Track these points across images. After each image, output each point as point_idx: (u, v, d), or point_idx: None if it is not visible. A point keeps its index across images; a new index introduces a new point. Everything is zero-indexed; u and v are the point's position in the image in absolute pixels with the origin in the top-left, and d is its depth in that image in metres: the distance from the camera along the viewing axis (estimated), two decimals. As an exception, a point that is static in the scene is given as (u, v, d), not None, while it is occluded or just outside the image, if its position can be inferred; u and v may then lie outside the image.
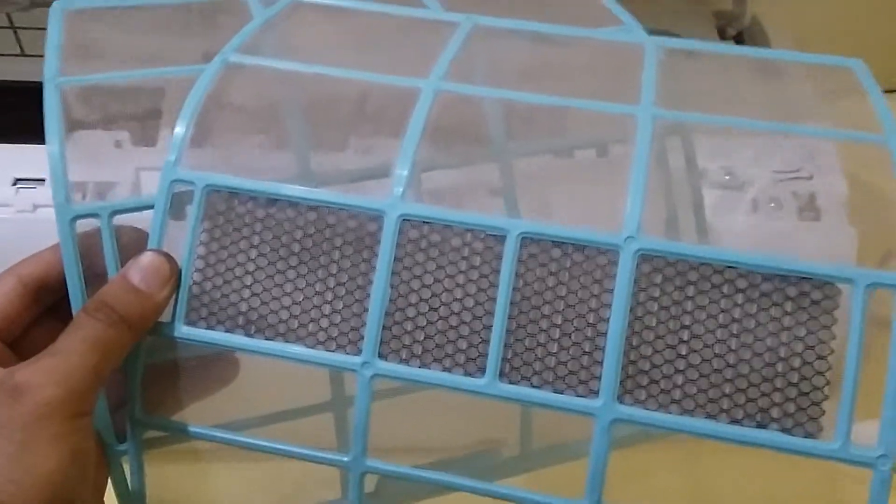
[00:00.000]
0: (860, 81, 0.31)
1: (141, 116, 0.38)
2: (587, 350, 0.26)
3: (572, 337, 0.26)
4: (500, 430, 0.33)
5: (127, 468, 0.29)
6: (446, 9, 0.35)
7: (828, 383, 0.24)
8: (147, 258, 0.27)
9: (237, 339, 0.28)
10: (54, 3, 0.33)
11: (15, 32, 0.59)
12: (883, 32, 0.75)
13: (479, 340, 0.26)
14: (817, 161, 0.47)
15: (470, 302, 0.26)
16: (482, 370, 0.26)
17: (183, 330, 0.28)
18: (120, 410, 0.29)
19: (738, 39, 0.60)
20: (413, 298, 0.27)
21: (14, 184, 0.45)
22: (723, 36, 0.60)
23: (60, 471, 0.24)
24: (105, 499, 0.28)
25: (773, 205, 0.45)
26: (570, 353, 0.26)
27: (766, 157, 0.45)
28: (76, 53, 0.32)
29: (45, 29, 0.32)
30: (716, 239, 0.33)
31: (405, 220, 0.27)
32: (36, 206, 0.44)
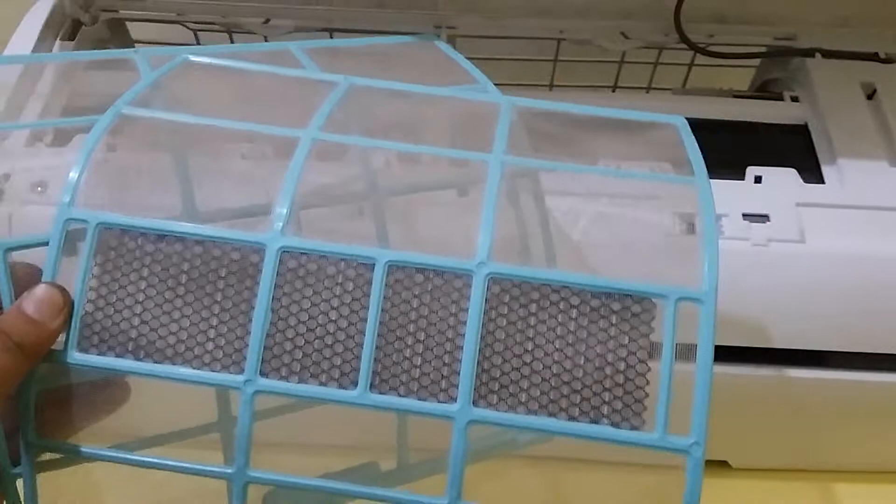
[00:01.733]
0: (680, 135, 0.35)
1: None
2: (447, 362, 0.28)
3: (434, 351, 0.28)
4: (378, 447, 0.34)
5: (21, 490, 0.29)
6: (322, 69, 0.37)
7: (647, 383, 0.27)
8: (41, 290, 0.28)
9: (127, 364, 0.28)
10: None
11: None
12: None
13: (352, 357, 0.28)
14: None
15: (343, 323, 0.28)
16: (355, 383, 0.28)
17: (75, 356, 0.28)
18: (14, 436, 0.29)
19: None
20: (292, 321, 0.28)
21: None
22: None
23: None
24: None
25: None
26: (432, 364, 0.28)
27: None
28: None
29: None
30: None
31: (285, 252, 0.29)
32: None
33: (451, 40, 0.61)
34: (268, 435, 0.30)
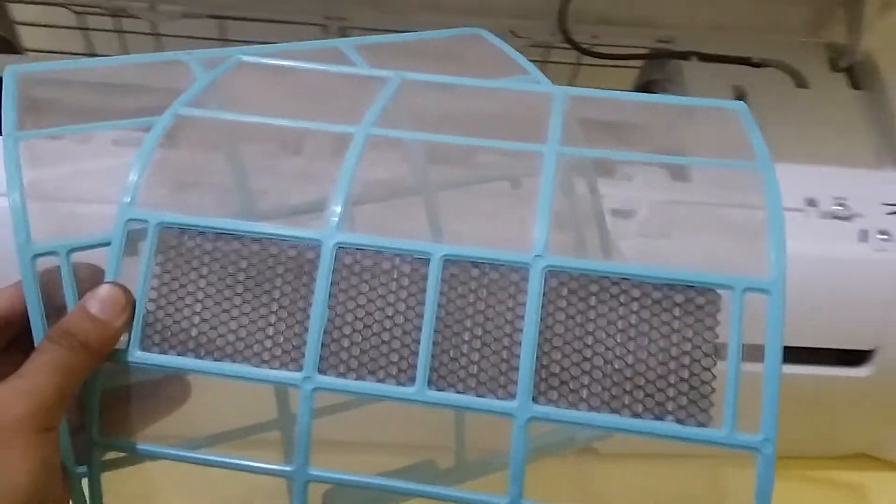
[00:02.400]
0: (741, 121, 0.33)
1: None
2: (504, 357, 0.27)
3: (491, 346, 0.27)
4: (436, 445, 0.34)
5: (86, 488, 0.29)
6: (372, 66, 0.37)
7: (714, 378, 0.26)
8: (104, 290, 0.28)
9: (188, 362, 0.28)
10: (8, 67, 0.34)
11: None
12: None
13: (409, 353, 0.27)
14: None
15: (400, 319, 0.28)
16: (412, 380, 0.27)
17: (138, 355, 0.28)
18: (78, 435, 0.29)
19: (850, 72, 0.58)
20: (349, 318, 0.28)
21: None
22: (834, 67, 0.59)
23: (32, 481, 0.24)
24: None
25: (882, 236, 0.46)
26: (490, 360, 0.27)
27: (875, 189, 0.46)
28: (31, 109, 0.33)
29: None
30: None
31: (340, 248, 0.28)
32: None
33: (342, 32, 0.60)
34: (325, 432, 0.29)
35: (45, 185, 0.31)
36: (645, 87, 0.62)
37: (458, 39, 0.43)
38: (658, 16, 0.62)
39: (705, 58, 0.58)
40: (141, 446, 0.29)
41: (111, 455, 0.29)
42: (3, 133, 0.31)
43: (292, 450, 0.28)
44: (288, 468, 0.27)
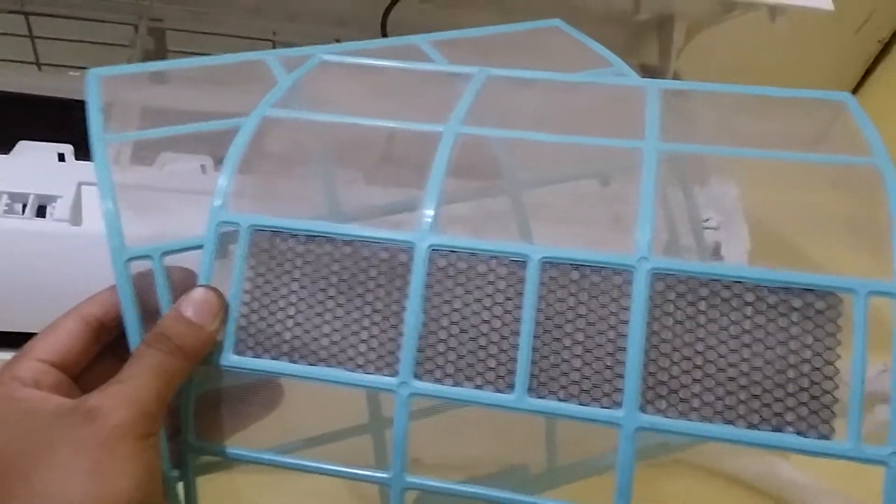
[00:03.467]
0: (851, 113, 0.31)
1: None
2: (609, 364, 0.25)
3: (594, 352, 0.26)
4: (527, 449, 0.32)
5: (181, 492, 0.29)
6: (450, 62, 0.35)
7: (836, 387, 0.24)
8: (198, 293, 0.28)
9: (282, 366, 0.27)
10: (90, 70, 0.33)
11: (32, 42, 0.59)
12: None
13: (508, 359, 0.26)
14: (723, 211, 0.48)
15: (497, 323, 0.26)
16: (511, 386, 0.26)
17: (232, 359, 0.28)
18: (173, 440, 0.29)
19: None
20: (444, 322, 0.27)
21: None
22: None
23: (137, 486, 0.24)
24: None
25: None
26: (594, 367, 0.26)
27: (675, 206, 0.45)
28: (116, 111, 0.32)
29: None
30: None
31: (434, 250, 0.27)
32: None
33: (157, 32, 0.58)
34: (416, 435, 0.28)
35: (136, 189, 0.31)
36: None
37: (536, 32, 0.41)
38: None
39: None
40: (235, 451, 0.28)
41: (205, 459, 0.29)
42: (91, 137, 0.31)
43: (385, 455, 0.27)
44: (385, 475, 0.26)
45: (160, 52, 0.60)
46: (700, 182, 0.48)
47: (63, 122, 0.45)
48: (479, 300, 0.27)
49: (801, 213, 0.29)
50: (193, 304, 0.27)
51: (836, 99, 0.32)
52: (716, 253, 0.46)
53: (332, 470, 0.27)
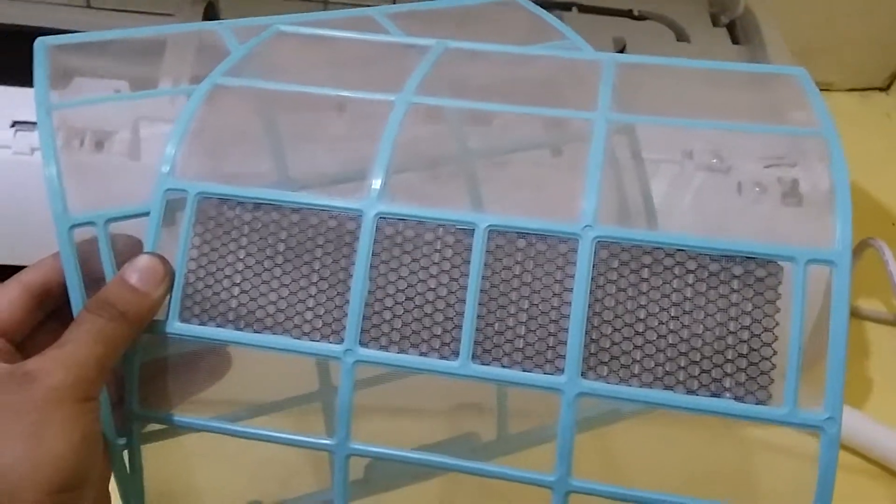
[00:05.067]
0: (803, 86, 0.31)
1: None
2: (552, 331, 0.26)
3: (538, 320, 0.26)
4: (477, 417, 0.33)
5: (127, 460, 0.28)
6: (406, 34, 0.35)
7: (775, 353, 0.24)
8: (143, 260, 0.27)
9: (228, 333, 0.27)
10: (38, 39, 0.33)
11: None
12: (869, 27, 0.75)
13: (453, 326, 0.26)
14: (802, 149, 0.46)
15: (443, 291, 0.26)
16: (456, 353, 0.26)
17: (177, 326, 0.27)
18: (119, 408, 0.28)
19: (731, 27, 0.58)
20: (390, 289, 0.27)
21: (12, 126, 0.42)
22: (715, 23, 0.58)
23: (73, 451, 0.24)
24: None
25: (757, 189, 0.44)
26: (537, 334, 0.26)
27: (753, 143, 0.44)
28: (64, 78, 0.32)
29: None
30: (699, 220, 0.33)
31: (382, 218, 0.27)
32: (33, 150, 0.42)
33: None
34: (366, 401, 0.28)
35: (82, 156, 0.30)
36: None
37: (493, 5, 0.41)
38: None
39: (586, 9, 0.57)
40: (180, 418, 0.28)
41: (151, 427, 0.29)
42: (36, 104, 0.30)
43: (333, 423, 0.27)
44: (329, 442, 0.26)
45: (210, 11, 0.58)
46: (775, 118, 0.48)
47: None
48: (425, 268, 0.27)
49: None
50: (138, 270, 0.27)
51: (789, 73, 0.32)
52: (794, 190, 0.44)
53: (278, 437, 0.27)
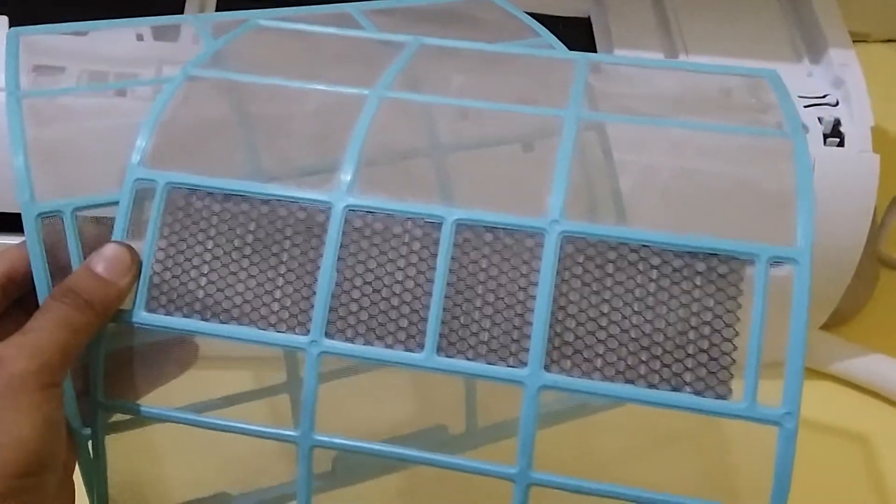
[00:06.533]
0: (772, 88, 0.32)
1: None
2: (517, 325, 0.26)
3: (503, 313, 0.26)
4: (446, 412, 0.33)
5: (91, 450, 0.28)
6: (381, 30, 0.35)
7: (735, 349, 0.25)
8: (110, 249, 0.27)
9: (194, 324, 0.27)
10: (10, 29, 0.33)
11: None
12: None
13: (419, 318, 0.26)
14: (844, 89, 0.45)
15: (410, 284, 0.26)
16: (421, 346, 0.26)
17: (143, 316, 0.27)
18: (85, 398, 0.28)
19: None
20: (358, 282, 0.27)
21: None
22: None
23: (36, 436, 0.24)
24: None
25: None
26: (502, 327, 0.26)
27: (793, 82, 0.44)
28: (36, 70, 0.32)
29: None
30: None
31: (351, 211, 0.27)
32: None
33: None
34: (336, 394, 0.28)
35: (51, 145, 0.30)
36: None
37: (468, 3, 0.41)
38: None
39: None
40: (145, 409, 0.28)
41: (118, 417, 0.29)
42: (6, 92, 0.30)
43: (299, 414, 0.27)
44: (293, 433, 0.26)
45: None
46: (816, 57, 0.47)
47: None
48: (393, 260, 0.27)
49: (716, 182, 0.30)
50: (105, 259, 0.27)
51: (759, 75, 0.32)
52: (835, 130, 0.44)
53: (242, 428, 0.27)
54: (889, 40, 0.78)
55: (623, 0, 0.50)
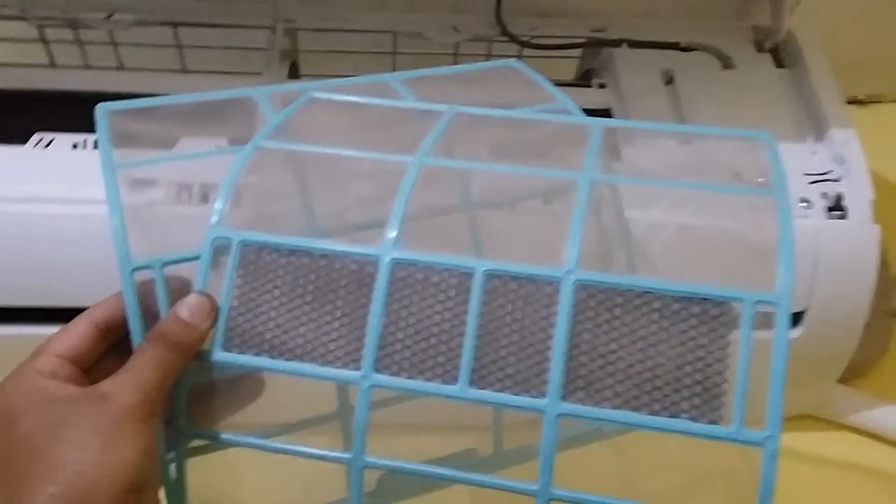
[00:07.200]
0: (765, 149, 0.36)
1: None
2: (538, 361, 0.30)
3: (526, 351, 0.30)
4: (476, 435, 0.37)
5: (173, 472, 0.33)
6: (417, 96, 0.40)
7: (725, 381, 0.28)
8: (193, 297, 0.32)
9: (263, 361, 0.32)
10: (99, 105, 0.37)
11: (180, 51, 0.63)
12: None
13: (454, 356, 0.30)
14: (846, 165, 0.50)
15: (447, 325, 0.31)
16: (456, 379, 0.30)
17: (220, 354, 0.32)
18: (167, 426, 0.33)
19: (774, 52, 0.61)
20: (402, 324, 0.31)
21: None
22: (759, 49, 0.61)
23: (140, 458, 0.28)
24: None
25: (804, 204, 0.48)
26: (525, 363, 0.30)
27: (798, 160, 0.47)
28: (124, 141, 0.37)
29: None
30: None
31: (396, 263, 0.31)
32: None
33: (291, 33, 0.61)
34: (382, 421, 0.32)
35: (142, 208, 0.35)
36: (585, 74, 0.64)
37: (493, 70, 0.46)
38: (590, 6, 0.64)
39: (636, 45, 0.60)
40: (221, 435, 0.32)
41: (196, 442, 0.33)
42: (101, 164, 0.35)
43: (350, 439, 0.31)
44: (346, 455, 0.31)
45: (293, 53, 0.64)
46: (819, 136, 0.51)
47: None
48: (431, 306, 0.31)
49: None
50: (189, 306, 0.32)
51: (755, 136, 0.36)
52: (838, 204, 0.47)
53: (301, 451, 0.31)
54: (903, 100, 0.81)
55: (640, 92, 0.55)
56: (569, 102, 0.39)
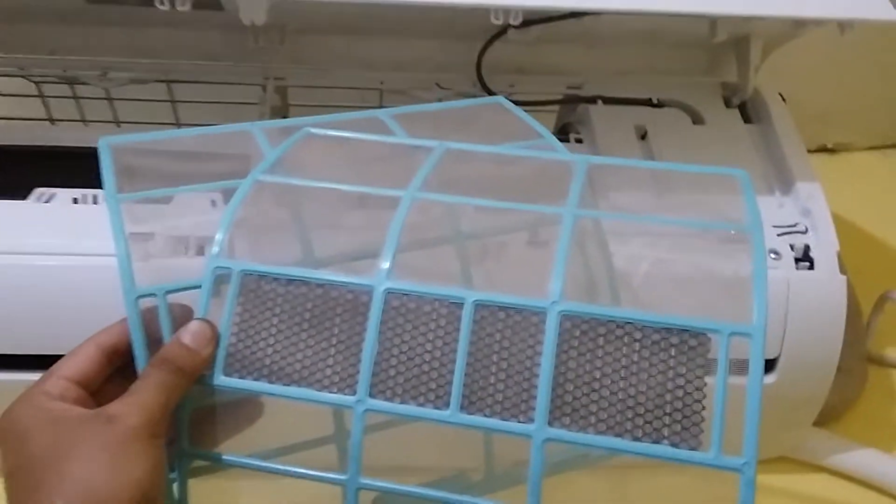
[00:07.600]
0: (740, 186, 0.37)
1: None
2: (525, 388, 0.31)
3: (514, 378, 0.31)
4: (468, 459, 0.38)
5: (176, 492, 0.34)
6: (407, 131, 0.42)
7: (703, 408, 0.30)
8: (195, 324, 0.33)
9: (262, 386, 0.33)
10: (101, 139, 0.38)
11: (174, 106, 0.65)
12: (884, 88, 0.80)
13: (445, 382, 0.32)
14: (812, 218, 0.52)
15: (438, 353, 0.32)
16: (447, 404, 0.31)
17: (221, 379, 0.33)
18: (170, 447, 0.34)
19: (742, 107, 0.63)
20: (395, 351, 0.32)
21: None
22: (728, 104, 0.63)
23: (147, 476, 0.29)
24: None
25: (773, 255, 0.50)
26: (513, 389, 0.31)
27: (767, 212, 0.49)
28: (126, 174, 0.38)
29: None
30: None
31: (389, 293, 0.33)
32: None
33: (281, 90, 0.64)
34: (376, 446, 0.34)
35: (145, 239, 0.36)
36: (563, 129, 0.67)
37: (481, 107, 0.48)
38: (567, 64, 0.66)
39: (610, 101, 0.62)
40: (221, 456, 0.33)
41: (197, 463, 0.34)
42: (105, 196, 0.36)
43: (346, 461, 0.32)
44: (342, 477, 0.32)
45: (284, 109, 0.66)
46: (786, 189, 0.53)
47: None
48: (423, 334, 0.32)
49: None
50: (191, 333, 0.33)
51: (730, 174, 0.38)
52: (805, 255, 0.49)
53: (298, 472, 0.32)
54: (871, 147, 0.84)
55: (615, 146, 0.58)
56: (553, 140, 0.41)
